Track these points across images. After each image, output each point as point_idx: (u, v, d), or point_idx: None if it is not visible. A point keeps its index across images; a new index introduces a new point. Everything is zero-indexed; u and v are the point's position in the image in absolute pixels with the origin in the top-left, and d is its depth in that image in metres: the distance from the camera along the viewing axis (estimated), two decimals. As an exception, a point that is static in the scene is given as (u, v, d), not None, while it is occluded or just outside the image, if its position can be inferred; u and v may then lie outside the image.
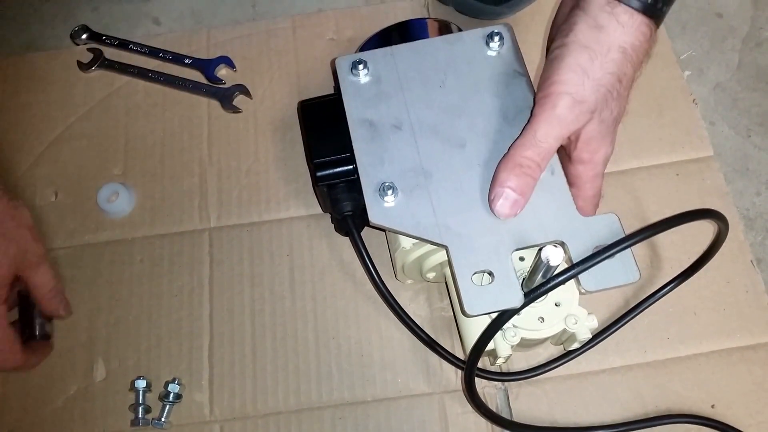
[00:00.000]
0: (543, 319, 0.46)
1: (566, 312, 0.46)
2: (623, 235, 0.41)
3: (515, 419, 0.52)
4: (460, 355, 0.52)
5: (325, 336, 0.56)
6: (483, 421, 0.52)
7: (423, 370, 0.54)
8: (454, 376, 0.54)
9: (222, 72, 0.67)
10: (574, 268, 0.39)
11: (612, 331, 0.52)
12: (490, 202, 0.44)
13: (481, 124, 0.48)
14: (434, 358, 0.54)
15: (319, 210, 0.59)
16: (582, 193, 0.45)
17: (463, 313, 0.42)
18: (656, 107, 0.62)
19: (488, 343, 0.41)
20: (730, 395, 0.52)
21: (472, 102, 0.48)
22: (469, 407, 0.52)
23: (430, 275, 0.52)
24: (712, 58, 0.68)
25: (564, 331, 0.46)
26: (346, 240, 0.58)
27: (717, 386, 0.52)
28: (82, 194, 0.62)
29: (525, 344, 0.48)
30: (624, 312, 0.53)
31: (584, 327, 0.46)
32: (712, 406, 0.52)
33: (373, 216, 0.45)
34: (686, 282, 0.51)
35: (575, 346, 0.49)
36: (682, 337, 0.54)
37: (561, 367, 0.52)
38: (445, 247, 0.43)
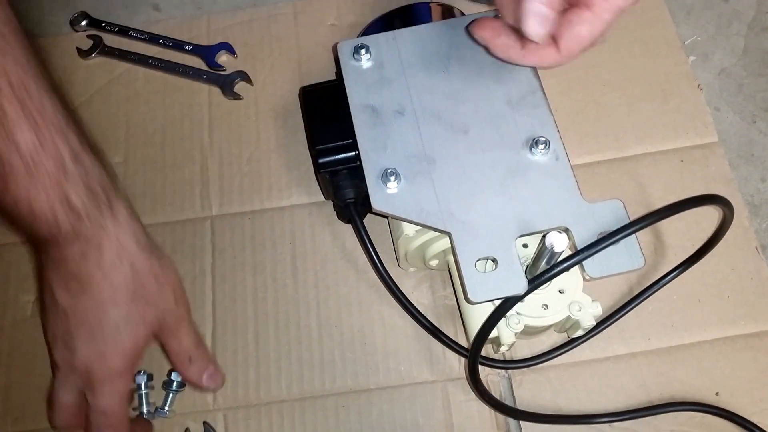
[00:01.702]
0: (547, 306, 0.45)
1: (570, 299, 0.45)
2: (628, 221, 0.41)
3: (519, 407, 0.52)
4: (464, 343, 0.52)
5: (327, 324, 0.55)
6: (486, 409, 0.52)
7: (426, 357, 0.54)
8: (457, 363, 0.54)
9: (223, 58, 0.66)
10: (579, 255, 0.38)
11: (616, 318, 0.52)
12: (521, 23, 0.41)
13: (484, 109, 0.47)
14: (437, 345, 0.54)
15: (321, 197, 0.59)
16: (592, 16, 0.42)
17: (467, 300, 0.41)
18: (660, 93, 0.62)
19: (492, 330, 0.41)
20: (734, 383, 0.52)
21: (475, 87, 0.48)
22: (472, 395, 0.52)
23: (433, 263, 0.52)
24: (717, 43, 0.67)
25: (568, 318, 0.46)
26: (349, 227, 0.58)
27: (721, 374, 0.52)
28: (83, 182, 0.62)
29: (529, 331, 0.48)
30: (628, 299, 0.53)
31: (588, 314, 0.45)
32: (717, 394, 0.51)
33: (376, 202, 0.45)
34: (690, 269, 0.51)
35: (579, 333, 0.49)
36: (687, 325, 0.54)
37: (565, 354, 0.52)
38: (449, 234, 0.43)
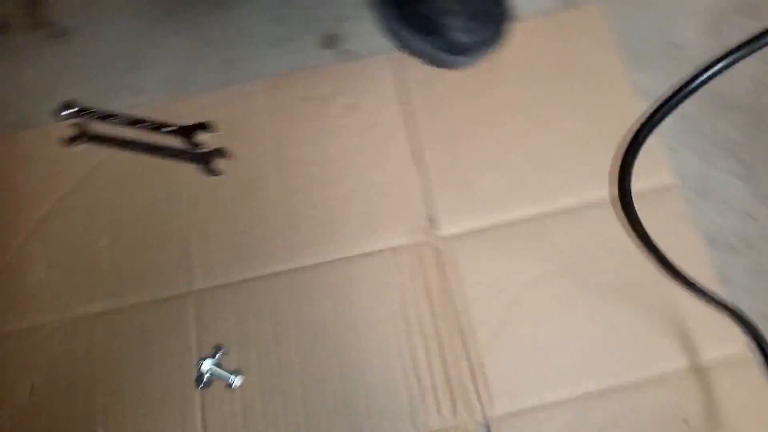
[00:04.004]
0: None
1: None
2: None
3: None
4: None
5: (313, 387, 0.57)
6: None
7: (407, 411, 0.55)
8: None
9: (202, 137, 0.69)
10: None
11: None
12: None
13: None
14: (418, 399, 0.55)
15: (300, 265, 0.61)
16: None
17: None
18: (616, 138, 0.64)
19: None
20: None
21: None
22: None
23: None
24: (671, 87, 0.70)
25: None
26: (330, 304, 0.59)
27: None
28: (73, 268, 0.64)
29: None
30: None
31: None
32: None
33: None
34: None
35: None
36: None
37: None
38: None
